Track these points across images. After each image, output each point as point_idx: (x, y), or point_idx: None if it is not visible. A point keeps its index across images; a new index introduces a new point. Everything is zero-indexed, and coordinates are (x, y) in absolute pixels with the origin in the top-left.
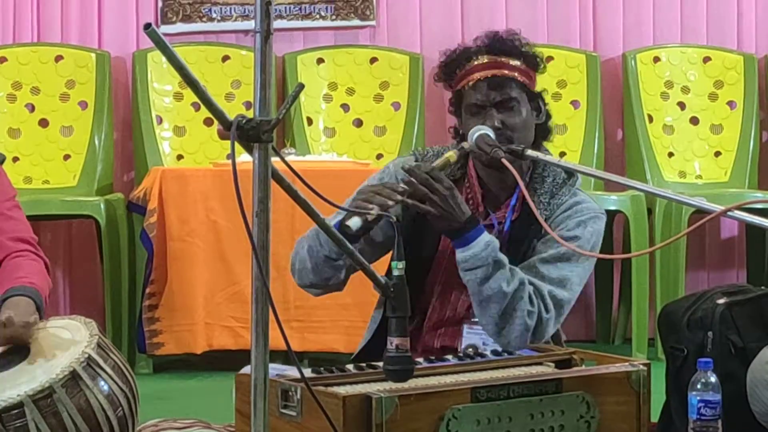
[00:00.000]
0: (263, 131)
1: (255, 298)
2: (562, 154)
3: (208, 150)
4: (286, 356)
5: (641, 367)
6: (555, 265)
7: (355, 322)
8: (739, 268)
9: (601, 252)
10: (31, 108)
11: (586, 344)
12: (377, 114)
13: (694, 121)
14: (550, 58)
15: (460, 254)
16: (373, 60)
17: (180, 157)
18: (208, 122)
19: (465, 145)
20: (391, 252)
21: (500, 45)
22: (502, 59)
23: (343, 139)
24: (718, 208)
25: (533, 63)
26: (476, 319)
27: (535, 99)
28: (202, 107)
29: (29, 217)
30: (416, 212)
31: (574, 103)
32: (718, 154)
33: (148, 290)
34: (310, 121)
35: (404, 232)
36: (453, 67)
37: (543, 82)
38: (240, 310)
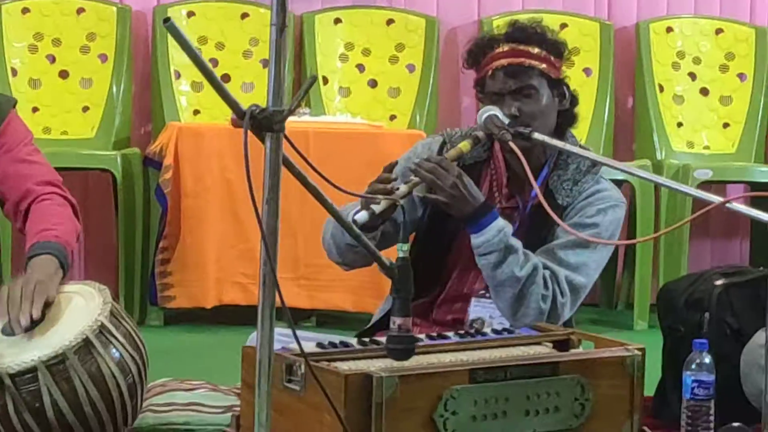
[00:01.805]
0: (275, 121)
1: (262, 282)
2: None
3: (224, 106)
4: (294, 315)
5: (636, 351)
6: (574, 251)
7: (363, 282)
8: (743, 238)
9: None
10: (52, 59)
11: (589, 308)
12: (392, 75)
13: (704, 92)
14: (564, 26)
15: (474, 240)
16: (390, 22)
17: (197, 112)
18: (225, 78)
19: (479, 134)
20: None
21: (519, 33)
22: (522, 47)
23: (357, 100)
24: (717, 199)
25: (556, 50)
26: (483, 293)
27: (558, 85)
28: (221, 63)
29: None
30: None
31: (587, 71)
32: (726, 125)
33: (161, 245)
34: (325, 81)
35: (429, 212)
36: (478, 54)
37: None
38: (251, 267)
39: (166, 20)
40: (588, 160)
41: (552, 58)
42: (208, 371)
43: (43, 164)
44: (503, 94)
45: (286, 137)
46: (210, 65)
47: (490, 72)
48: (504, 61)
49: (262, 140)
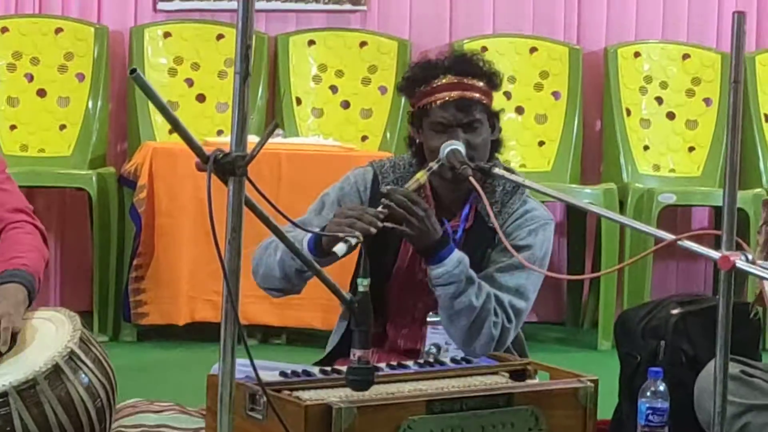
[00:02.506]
0: (238, 166)
1: (224, 320)
2: (541, 143)
3: (199, 125)
4: (265, 332)
5: (588, 383)
6: (511, 274)
7: (331, 300)
8: (708, 261)
9: (573, 244)
10: (30, 78)
11: (555, 326)
12: (364, 97)
13: (671, 116)
14: (534, 49)
15: (433, 271)
16: (363, 44)
17: (172, 131)
18: (200, 98)
19: (433, 165)
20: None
21: (466, 66)
22: (467, 80)
23: (330, 121)
24: (668, 236)
25: (494, 83)
26: (436, 319)
27: (493, 117)
28: (196, 83)
29: (24, 187)
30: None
31: (555, 94)
32: (692, 149)
33: (135, 262)
34: (299, 101)
35: (367, 243)
36: (417, 82)
37: (526, 72)
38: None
39: (133, 71)
40: (500, 178)
41: (491, 92)
42: (179, 388)
43: (15, 192)
44: (451, 125)
45: (248, 179)
46: (175, 114)
47: (438, 103)
48: (455, 94)
49: (225, 183)
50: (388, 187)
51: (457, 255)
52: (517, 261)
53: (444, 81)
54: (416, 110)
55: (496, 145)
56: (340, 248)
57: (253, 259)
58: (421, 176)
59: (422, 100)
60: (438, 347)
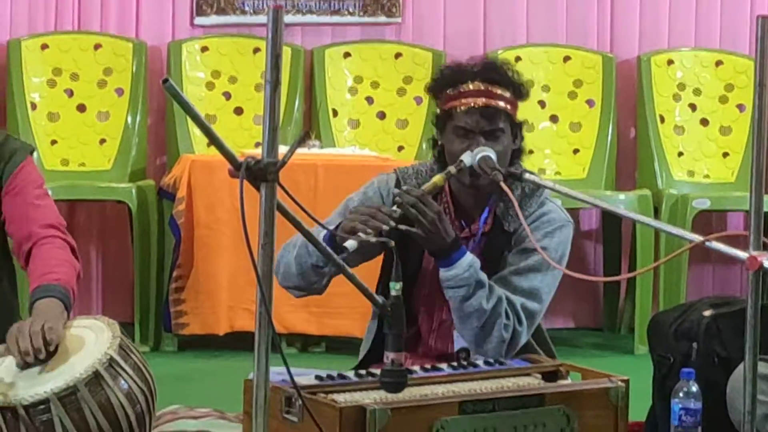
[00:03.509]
0: (269, 172)
1: (258, 324)
2: (576, 151)
3: (237, 138)
4: (304, 341)
5: (620, 383)
6: (525, 276)
7: (370, 308)
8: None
9: (608, 250)
10: (70, 93)
11: (593, 332)
12: (400, 107)
13: (704, 122)
14: (567, 58)
15: (444, 273)
16: (398, 55)
17: (210, 144)
18: (238, 111)
19: (452, 169)
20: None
21: (494, 74)
22: (494, 89)
23: (366, 131)
24: (697, 238)
25: (520, 93)
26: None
27: (516, 127)
28: (233, 96)
29: (66, 201)
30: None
31: (589, 102)
32: (726, 155)
33: (175, 273)
34: (335, 113)
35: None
36: (445, 84)
37: (560, 81)
38: None
39: (165, 81)
40: (531, 183)
41: (516, 101)
42: (219, 396)
43: (49, 207)
44: (475, 132)
45: (280, 185)
46: (207, 121)
47: (464, 108)
48: (481, 101)
49: (258, 189)
50: (404, 187)
51: (468, 258)
52: (532, 263)
53: (471, 87)
54: (442, 113)
55: (518, 154)
56: (350, 243)
57: (276, 260)
58: (439, 180)
59: (448, 103)
60: (467, 351)
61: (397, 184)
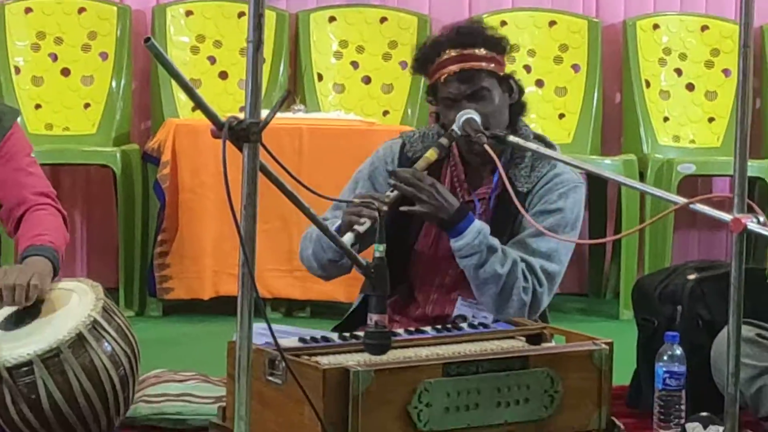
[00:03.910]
0: (252, 132)
1: (241, 284)
2: (562, 116)
3: (221, 102)
4: (289, 306)
5: (603, 346)
6: (543, 238)
7: (355, 274)
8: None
9: (593, 215)
10: (54, 57)
11: (578, 297)
12: (385, 72)
13: (690, 87)
14: (553, 23)
15: (454, 243)
16: (383, 20)
17: (195, 108)
18: (222, 75)
19: (443, 141)
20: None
21: (464, 37)
22: (469, 51)
23: (351, 96)
24: (681, 200)
25: (499, 47)
26: (472, 293)
27: (506, 81)
28: (218, 60)
29: (50, 165)
30: (401, 201)
31: (575, 67)
32: (711, 120)
33: (159, 238)
34: (320, 77)
35: (390, 218)
36: (425, 61)
37: (545, 45)
38: None
39: (147, 40)
40: (543, 143)
41: (497, 56)
42: (203, 361)
43: (40, 176)
44: (459, 99)
45: (263, 146)
46: (190, 82)
47: (442, 78)
48: (455, 67)
49: (240, 150)
50: (388, 168)
51: (477, 225)
52: (549, 226)
53: (445, 56)
54: (430, 88)
55: (518, 108)
56: (347, 237)
57: (299, 253)
58: (431, 154)
59: (432, 78)
60: (464, 318)
61: (402, 149)
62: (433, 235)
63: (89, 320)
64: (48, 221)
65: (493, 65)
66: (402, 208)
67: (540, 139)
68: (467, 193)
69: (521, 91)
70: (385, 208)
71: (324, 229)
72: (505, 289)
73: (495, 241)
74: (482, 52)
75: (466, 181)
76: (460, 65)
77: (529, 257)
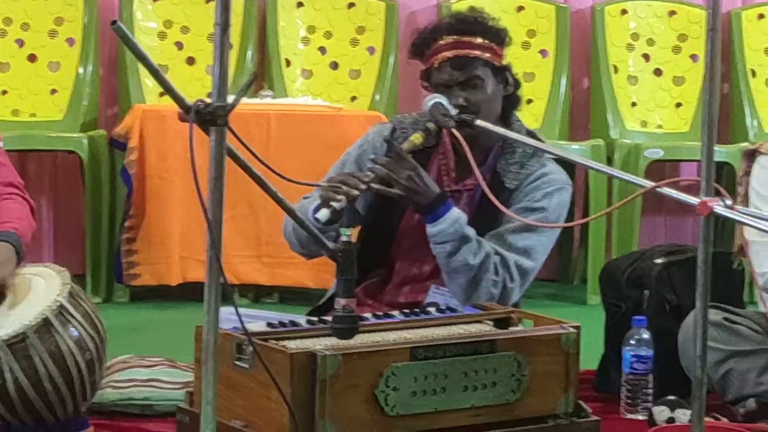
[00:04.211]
0: (219, 115)
1: (208, 269)
2: (529, 101)
3: (189, 88)
4: (257, 291)
5: (571, 330)
6: (521, 235)
7: (323, 259)
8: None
9: None
10: (21, 43)
11: (546, 283)
12: (353, 57)
13: (658, 72)
14: (521, 8)
15: (430, 229)
16: (351, 5)
17: (162, 94)
18: (190, 61)
19: (430, 125)
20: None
21: (465, 25)
22: (466, 38)
23: (319, 81)
24: (649, 184)
25: (498, 38)
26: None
27: (501, 72)
28: (186, 46)
29: (17, 151)
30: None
31: (543, 53)
32: (679, 105)
33: (126, 224)
34: (288, 63)
35: (375, 202)
36: (422, 45)
37: (514, 31)
38: None
39: (113, 22)
40: (484, 129)
41: (494, 47)
42: (171, 347)
43: (8, 166)
44: (450, 85)
45: (230, 129)
46: (155, 64)
47: (436, 64)
48: (450, 53)
49: (207, 133)
50: (389, 131)
51: (454, 213)
52: (529, 224)
53: (442, 42)
54: (425, 72)
55: (513, 101)
56: (323, 213)
57: (282, 229)
58: (417, 138)
59: (427, 63)
60: (436, 306)
61: (392, 133)
62: (416, 220)
63: (56, 305)
64: (13, 209)
65: (488, 54)
66: (375, 187)
67: (531, 135)
68: (454, 182)
69: (517, 84)
70: (362, 187)
71: (290, 212)
72: (474, 280)
73: (470, 232)
74: (480, 40)
75: (456, 170)
76: (455, 52)
77: (504, 251)
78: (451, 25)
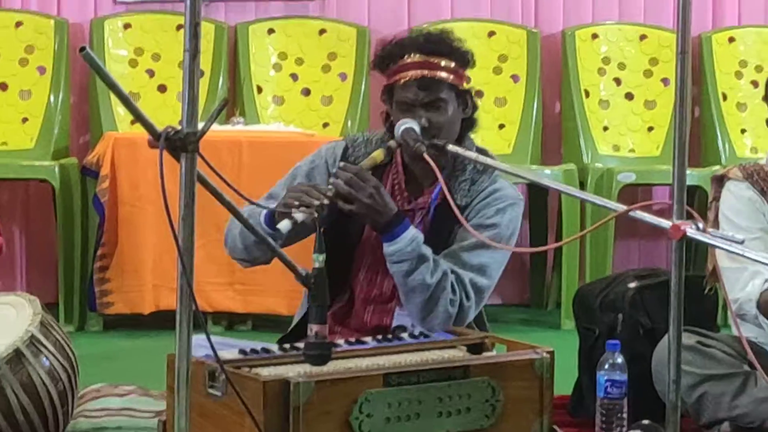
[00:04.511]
0: (189, 142)
1: (180, 295)
2: (501, 126)
3: (161, 116)
4: (230, 319)
5: (545, 355)
6: (475, 252)
7: (295, 286)
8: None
9: (534, 225)
10: None
11: (520, 308)
12: (325, 84)
13: (629, 96)
14: (492, 33)
15: (387, 248)
16: (322, 32)
17: (134, 121)
18: (161, 89)
19: (391, 143)
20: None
21: (433, 45)
22: (434, 59)
23: (291, 108)
24: (621, 207)
25: (464, 61)
26: None
27: (463, 96)
28: (157, 73)
29: None
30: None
31: (514, 77)
32: (651, 129)
33: (99, 252)
34: (259, 90)
35: (331, 218)
36: (388, 59)
37: (485, 56)
38: None
39: (82, 49)
40: (455, 154)
41: (459, 70)
42: (144, 375)
43: None
44: (415, 105)
45: (201, 156)
46: (125, 91)
47: (401, 82)
48: (417, 73)
49: (178, 160)
50: (340, 164)
51: (411, 233)
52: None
53: (409, 60)
54: (386, 88)
55: (469, 124)
56: (284, 225)
57: (224, 233)
58: (378, 155)
59: (391, 78)
60: (404, 329)
61: (345, 152)
62: (373, 244)
63: (27, 335)
64: None
65: (454, 77)
66: (340, 205)
67: (482, 152)
68: (407, 201)
69: (475, 107)
70: (325, 201)
71: (263, 239)
72: (432, 299)
73: (427, 251)
74: (446, 62)
75: (407, 190)
76: (422, 72)
77: (459, 269)
78: (419, 43)
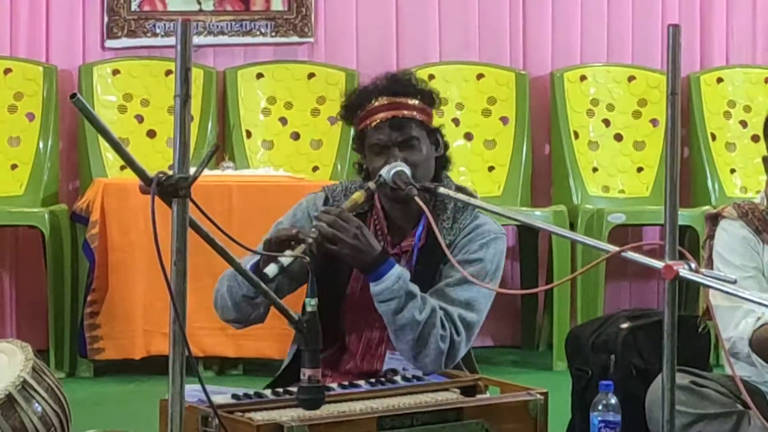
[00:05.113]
0: (181, 187)
1: (172, 341)
2: (491, 168)
3: (150, 161)
4: (222, 364)
5: (538, 396)
6: (462, 287)
7: (286, 330)
8: (660, 279)
9: (525, 267)
10: None
11: (511, 349)
12: (314, 128)
13: (618, 137)
14: (481, 76)
15: (374, 288)
16: (311, 75)
17: (123, 167)
18: (151, 134)
19: (371, 185)
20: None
21: (398, 86)
22: (401, 99)
23: (280, 152)
24: (612, 248)
25: (429, 100)
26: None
27: (434, 134)
28: (146, 119)
29: None
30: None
31: (503, 119)
32: (640, 169)
33: (89, 298)
34: (249, 134)
35: (317, 266)
36: (354, 107)
37: (474, 98)
38: None
39: (73, 95)
40: (445, 197)
41: (427, 108)
42: (136, 421)
43: None
44: (389, 146)
45: (192, 201)
46: (116, 137)
47: (372, 124)
48: (388, 114)
49: (169, 205)
50: (322, 208)
51: (397, 271)
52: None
53: (377, 103)
54: (357, 134)
55: (443, 162)
56: (270, 269)
57: (213, 294)
58: (359, 197)
59: (360, 124)
60: (395, 372)
61: (326, 203)
62: (360, 288)
63: (19, 381)
64: None
65: (422, 116)
66: (327, 245)
67: (461, 190)
68: (390, 246)
69: (446, 146)
70: (310, 240)
71: (257, 285)
72: (422, 336)
73: (414, 288)
74: (414, 102)
75: (390, 234)
76: (392, 112)
77: (447, 306)
78: (384, 86)
